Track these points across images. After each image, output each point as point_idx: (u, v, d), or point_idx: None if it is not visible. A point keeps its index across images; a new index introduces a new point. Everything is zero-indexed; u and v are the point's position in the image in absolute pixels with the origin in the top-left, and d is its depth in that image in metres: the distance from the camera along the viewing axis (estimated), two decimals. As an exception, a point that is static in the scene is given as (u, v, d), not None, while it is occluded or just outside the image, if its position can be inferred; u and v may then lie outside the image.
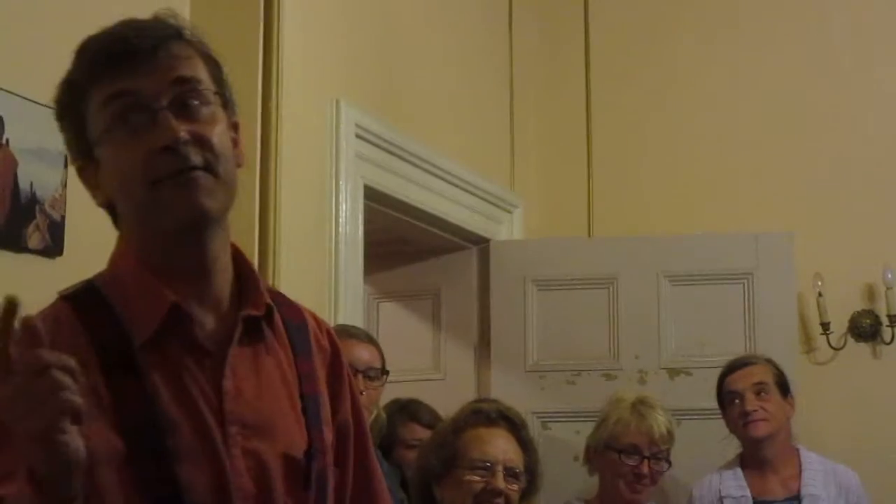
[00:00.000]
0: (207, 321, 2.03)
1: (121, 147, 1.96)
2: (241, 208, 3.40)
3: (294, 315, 2.16)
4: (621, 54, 6.27)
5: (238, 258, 2.12)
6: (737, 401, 4.62)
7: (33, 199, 3.61)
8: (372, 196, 4.93)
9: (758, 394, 4.62)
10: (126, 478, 1.87)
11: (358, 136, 4.79)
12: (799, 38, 6.03)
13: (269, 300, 2.10)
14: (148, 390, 1.94)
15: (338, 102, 4.68)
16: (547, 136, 6.27)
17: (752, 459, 4.69)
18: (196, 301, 2.02)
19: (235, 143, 2.07)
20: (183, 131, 1.93)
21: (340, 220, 4.69)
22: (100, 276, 2.07)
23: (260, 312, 2.07)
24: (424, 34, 5.43)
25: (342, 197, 4.70)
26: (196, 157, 1.95)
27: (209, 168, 1.96)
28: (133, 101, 1.96)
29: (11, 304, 1.72)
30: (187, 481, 1.90)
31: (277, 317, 2.12)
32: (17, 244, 3.55)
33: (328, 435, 2.07)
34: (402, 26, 5.24)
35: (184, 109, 1.97)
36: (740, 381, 4.66)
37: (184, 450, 1.92)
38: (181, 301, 1.99)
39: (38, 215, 3.63)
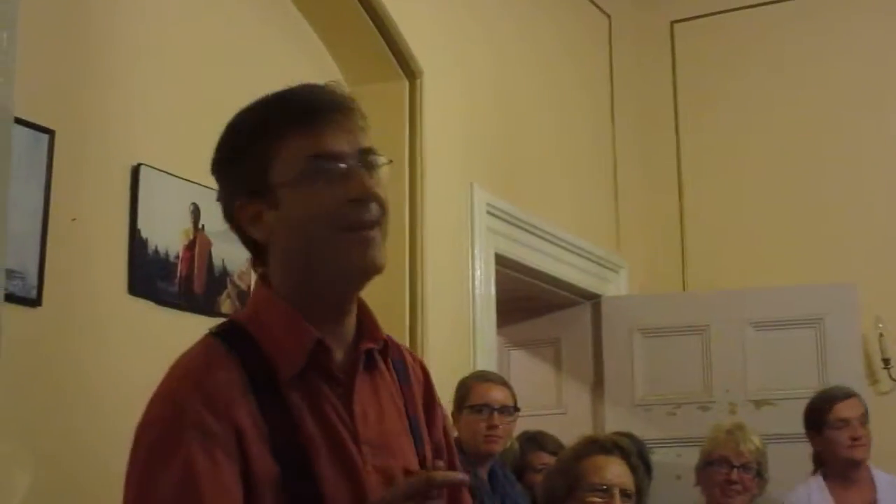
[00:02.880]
0: (338, 353, 1.95)
1: (313, 193, 1.88)
2: (392, 275, 3.47)
3: (393, 347, 2.08)
4: (706, 130, 6.23)
5: (357, 299, 2.01)
6: (845, 426, 4.56)
7: (224, 273, 3.72)
8: (501, 262, 5.01)
9: (862, 423, 4.61)
10: (280, 497, 1.82)
11: (489, 213, 4.88)
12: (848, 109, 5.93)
13: (385, 335, 2.03)
14: (295, 418, 1.88)
15: (472, 185, 4.77)
16: (646, 203, 6.24)
17: (838, 476, 4.63)
18: (331, 336, 1.93)
19: None
20: (373, 187, 1.90)
21: (476, 282, 4.77)
22: (242, 314, 2.06)
23: (378, 346, 2.00)
24: (538, 122, 5.46)
25: (477, 263, 4.78)
26: (376, 213, 1.90)
27: (380, 224, 1.91)
28: (331, 155, 1.90)
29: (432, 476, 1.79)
30: (332, 498, 1.85)
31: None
32: (212, 309, 3.66)
33: (429, 452, 2.03)
34: (520, 117, 5.29)
35: (369, 169, 1.92)
36: (848, 410, 4.60)
37: (327, 470, 1.86)
38: (323, 336, 1.92)
39: (228, 285, 3.73)
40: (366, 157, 1.92)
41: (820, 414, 4.68)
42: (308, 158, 1.89)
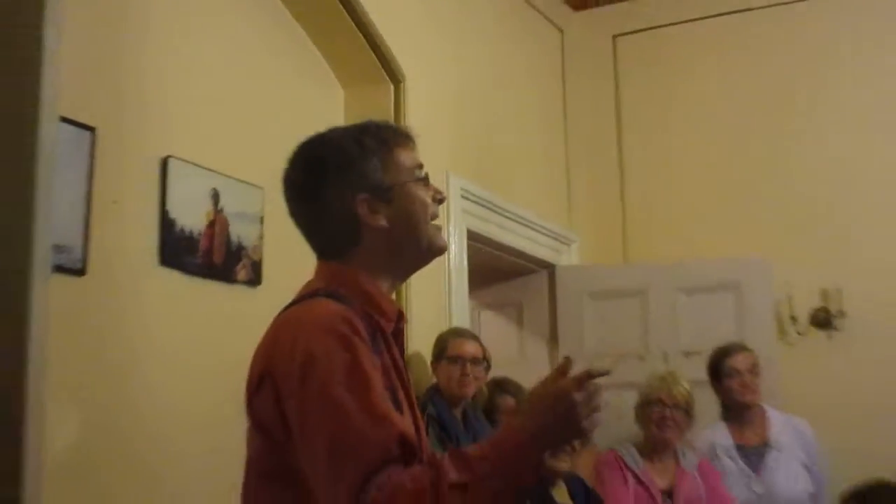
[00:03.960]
0: None
1: (416, 193, 2.06)
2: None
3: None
4: (643, 127, 6.23)
5: None
6: (737, 375, 4.58)
7: (240, 247, 3.71)
8: (473, 237, 5.03)
9: (752, 373, 4.61)
10: None
11: (462, 196, 4.90)
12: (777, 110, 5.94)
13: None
14: (386, 364, 1.96)
15: (448, 173, 4.77)
16: (593, 188, 6.21)
17: (735, 418, 4.64)
18: (399, 307, 2.13)
19: None
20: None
21: (452, 255, 4.77)
22: (323, 286, 2.03)
23: (404, 319, 2.14)
24: (503, 119, 5.46)
25: (452, 239, 4.78)
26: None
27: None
28: (421, 166, 2.11)
29: (567, 360, 1.92)
30: (410, 423, 1.92)
31: None
32: (230, 278, 3.68)
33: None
34: (488, 115, 5.29)
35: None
36: (739, 362, 4.61)
37: (403, 402, 1.96)
38: (399, 307, 2.12)
39: (243, 258, 3.72)
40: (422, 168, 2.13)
41: (717, 366, 4.71)
42: (414, 168, 2.09)
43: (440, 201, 2.13)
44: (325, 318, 1.91)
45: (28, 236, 1.56)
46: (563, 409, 1.83)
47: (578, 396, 1.83)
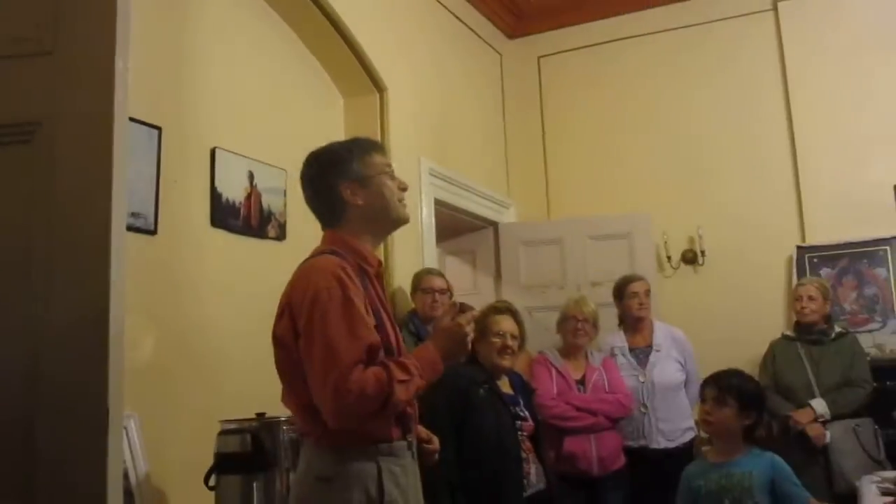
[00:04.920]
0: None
1: (386, 182, 2.23)
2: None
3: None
4: (560, 123, 6.14)
5: None
6: (635, 297, 4.60)
7: (270, 213, 3.70)
8: (439, 204, 4.99)
9: (646, 295, 4.63)
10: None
11: (430, 174, 4.86)
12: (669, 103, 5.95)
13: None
14: (373, 296, 2.14)
15: (420, 158, 4.75)
16: (525, 167, 6.12)
17: (630, 328, 4.63)
18: (379, 257, 2.29)
19: None
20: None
21: (423, 217, 4.75)
22: (331, 245, 2.18)
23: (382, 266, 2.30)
24: (461, 118, 5.40)
25: (424, 206, 4.76)
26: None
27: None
28: (390, 166, 2.28)
29: (454, 304, 2.21)
30: (393, 343, 2.14)
31: None
32: (263, 235, 3.67)
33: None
34: (450, 115, 5.23)
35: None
36: (637, 287, 4.62)
37: (387, 325, 2.15)
38: (379, 257, 2.28)
39: (272, 221, 3.71)
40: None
41: (620, 289, 4.70)
42: (385, 165, 2.26)
43: (404, 189, 2.27)
44: (327, 268, 2.06)
45: (107, 206, 1.54)
46: (455, 336, 2.12)
47: (463, 329, 2.13)
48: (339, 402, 1.93)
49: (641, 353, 4.54)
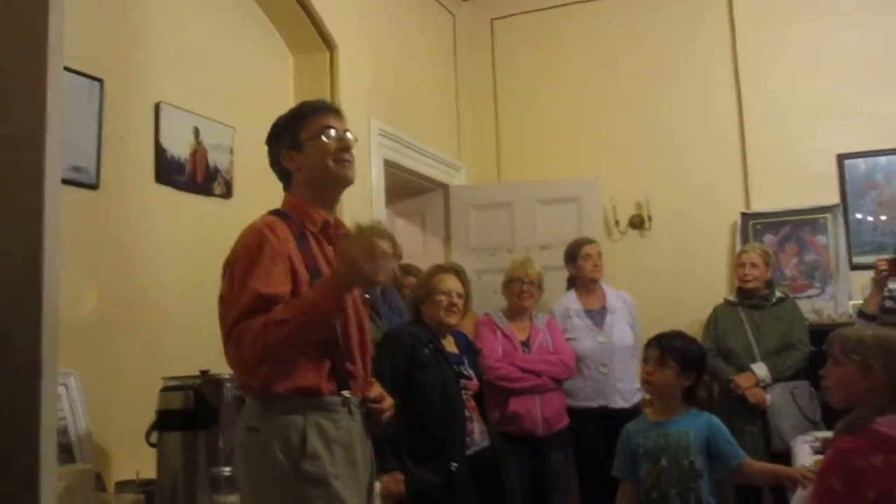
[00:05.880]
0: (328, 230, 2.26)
1: (325, 145, 2.24)
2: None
3: (344, 230, 2.34)
4: (511, 85, 6.11)
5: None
6: (588, 259, 4.64)
7: (216, 170, 3.64)
8: (388, 165, 4.94)
9: (598, 258, 4.68)
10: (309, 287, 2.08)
11: (380, 135, 4.80)
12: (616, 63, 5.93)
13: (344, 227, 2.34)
14: (314, 253, 2.17)
15: (369, 118, 4.69)
16: (476, 129, 6.09)
17: (582, 289, 4.68)
18: (328, 217, 2.27)
19: None
20: (349, 142, 2.28)
21: (373, 178, 4.71)
22: (283, 207, 2.26)
23: (343, 230, 2.30)
24: (411, 78, 5.36)
25: (373, 166, 4.71)
26: (349, 155, 2.27)
27: (351, 161, 2.28)
28: (330, 127, 2.26)
29: (358, 227, 2.15)
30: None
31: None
32: (209, 192, 3.62)
33: None
34: (400, 74, 5.18)
35: (347, 137, 2.30)
36: (590, 250, 4.67)
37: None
38: (327, 217, 2.26)
39: (219, 178, 3.65)
40: (346, 133, 2.30)
41: (574, 252, 4.74)
42: (322, 127, 2.26)
43: (345, 148, 2.26)
44: (255, 225, 2.13)
45: (40, 158, 1.50)
46: (345, 261, 2.00)
47: (351, 248, 2.00)
48: (228, 350, 2.02)
49: (597, 315, 4.59)
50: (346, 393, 2.15)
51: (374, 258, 1.99)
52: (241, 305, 1.99)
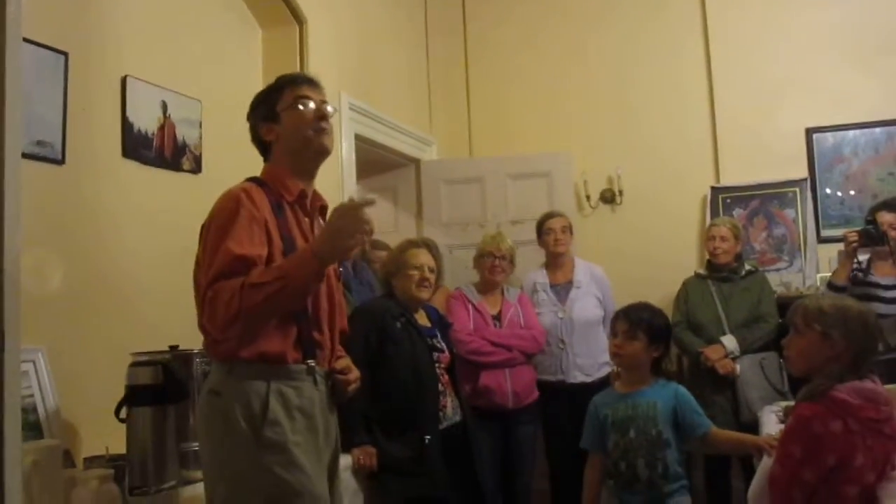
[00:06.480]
0: (306, 202, 2.28)
1: (301, 114, 2.25)
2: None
3: (322, 203, 2.36)
4: (483, 55, 6.11)
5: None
6: (552, 233, 4.66)
7: (185, 145, 3.62)
8: (359, 139, 4.93)
9: (563, 232, 4.67)
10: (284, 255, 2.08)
11: (350, 109, 4.78)
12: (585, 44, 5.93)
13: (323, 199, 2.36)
14: (289, 223, 2.18)
15: (340, 93, 4.66)
16: (448, 104, 6.09)
17: (551, 264, 4.71)
18: (306, 188, 2.28)
19: None
20: (326, 112, 2.28)
21: (344, 153, 4.68)
22: (261, 176, 2.26)
23: (321, 203, 2.34)
24: (382, 51, 5.33)
25: (344, 141, 4.68)
26: (326, 125, 2.27)
27: (328, 131, 2.28)
28: (306, 97, 2.27)
29: (353, 200, 2.05)
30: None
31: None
32: (178, 167, 3.58)
33: None
34: (370, 47, 5.16)
35: (325, 107, 2.30)
36: (555, 224, 4.68)
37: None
38: (304, 187, 2.26)
39: (187, 153, 3.63)
40: (323, 104, 2.30)
41: (539, 227, 4.76)
42: (297, 97, 2.26)
43: (321, 117, 2.26)
44: (231, 191, 2.13)
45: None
46: (329, 232, 2.00)
47: (340, 222, 1.99)
48: (204, 311, 2.00)
49: (562, 290, 4.61)
50: (311, 362, 2.15)
51: (360, 233, 2.01)
52: (218, 266, 1.98)
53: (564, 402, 4.29)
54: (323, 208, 2.34)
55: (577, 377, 4.43)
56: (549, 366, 4.44)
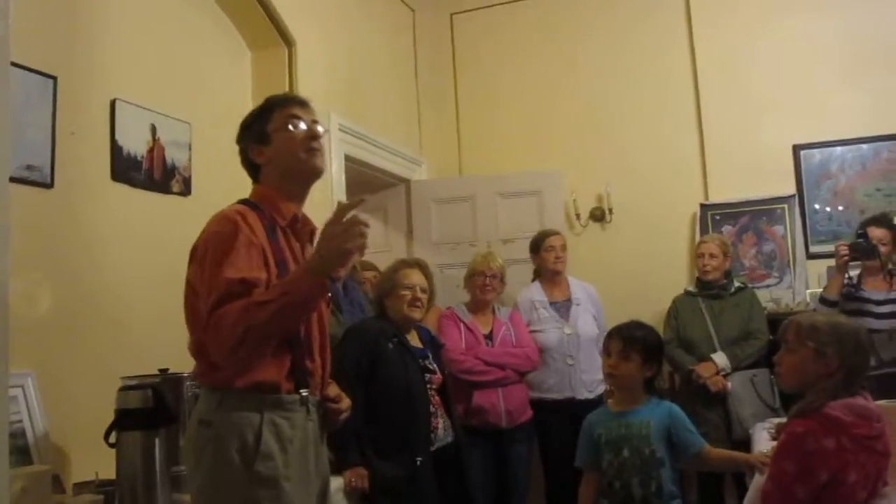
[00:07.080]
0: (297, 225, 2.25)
1: (292, 135, 2.21)
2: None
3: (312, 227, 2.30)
4: (471, 81, 6.13)
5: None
6: (552, 251, 4.66)
7: (174, 167, 3.61)
8: (349, 160, 4.92)
9: (562, 250, 4.70)
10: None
11: (340, 129, 4.78)
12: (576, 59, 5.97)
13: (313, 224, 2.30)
14: (282, 247, 2.15)
15: (330, 113, 4.65)
16: (437, 125, 6.11)
17: (547, 281, 4.70)
18: (297, 211, 2.25)
19: None
20: (318, 132, 2.24)
21: (334, 173, 4.67)
22: (252, 198, 2.22)
23: (312, 228, 2.28)
24: (372, 72, 5.33)
25: (334, 161, 4.67)
26: (318, 145, 2.22)
27: (320, 151, 2.23)
28: (297, 117, 2.23)
29: (342, 203, 2.01)
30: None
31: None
32: (167, 190, 3.58)
33: None
34: (360, 69, 5.17)
35: (316, 127, 2.26)
36: (554, 241, 4.69)
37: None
38: (296, 211, 2.24)
39: (176, 175, 3.62)
40: (314, 124, 2.26)
41: (538, 244, 4.77)
42: (288, 118, 2.22)
43: (313, 137, 2.23)
44: (225, 213, 2.11)
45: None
46: (325, 240, 1.97)
47: (334, 229, 1.96)
48: (209, 335, 1.94)
49: (562, 307, 4.62)
50: (303, 391, 2.12)
51: (357, 235, 1.96)
52: (220, 290, 1.94)
53: (567, 420, 4.22)
54: (312, 233, 2.28)
55: (584, 394, 4.43)
56: (555, 384, 4.42)
